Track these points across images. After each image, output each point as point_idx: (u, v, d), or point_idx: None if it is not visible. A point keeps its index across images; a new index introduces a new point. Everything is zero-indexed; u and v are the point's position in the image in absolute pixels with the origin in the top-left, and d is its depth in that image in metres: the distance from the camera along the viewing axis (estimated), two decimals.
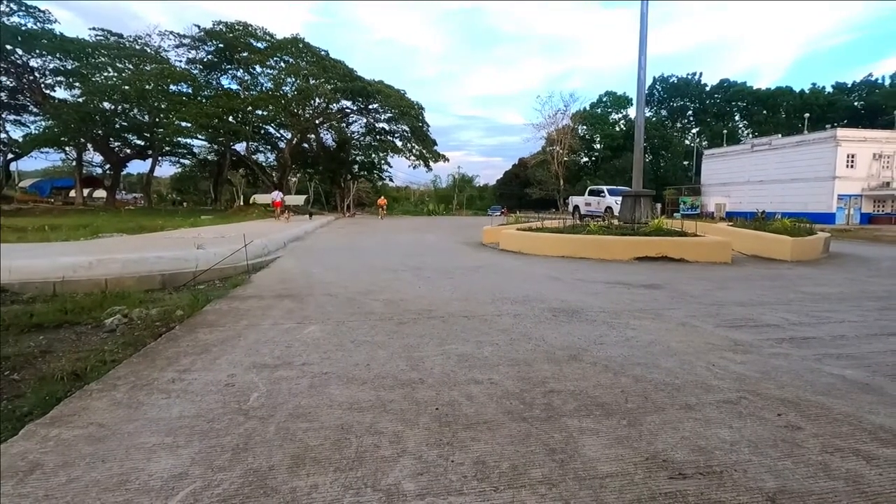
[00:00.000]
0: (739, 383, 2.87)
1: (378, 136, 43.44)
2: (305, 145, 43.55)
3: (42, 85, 33.38)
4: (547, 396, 2.65)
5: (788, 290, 6.37)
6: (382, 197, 43.36)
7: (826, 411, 2.49)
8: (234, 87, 40.29)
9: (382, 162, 46.18)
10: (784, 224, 11.69)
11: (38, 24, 30.87)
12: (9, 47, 29.37)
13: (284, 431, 2.21)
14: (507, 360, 3.26)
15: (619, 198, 16.79)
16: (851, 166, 33.46)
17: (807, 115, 47.92)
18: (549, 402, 2.57)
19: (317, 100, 37.68)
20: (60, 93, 34.11)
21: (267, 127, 41.01)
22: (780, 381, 2.92)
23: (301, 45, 37.33)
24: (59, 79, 33.14)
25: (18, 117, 35.32)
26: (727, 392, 2.73)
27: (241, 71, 39.06)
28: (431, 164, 43.26)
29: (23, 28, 29.77)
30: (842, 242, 15.47)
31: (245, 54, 36.94)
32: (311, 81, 35.57)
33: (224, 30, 36.75)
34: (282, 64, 37.29)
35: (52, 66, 32.41)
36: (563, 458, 1.99)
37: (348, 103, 40.59)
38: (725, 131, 55.47)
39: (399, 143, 42.83)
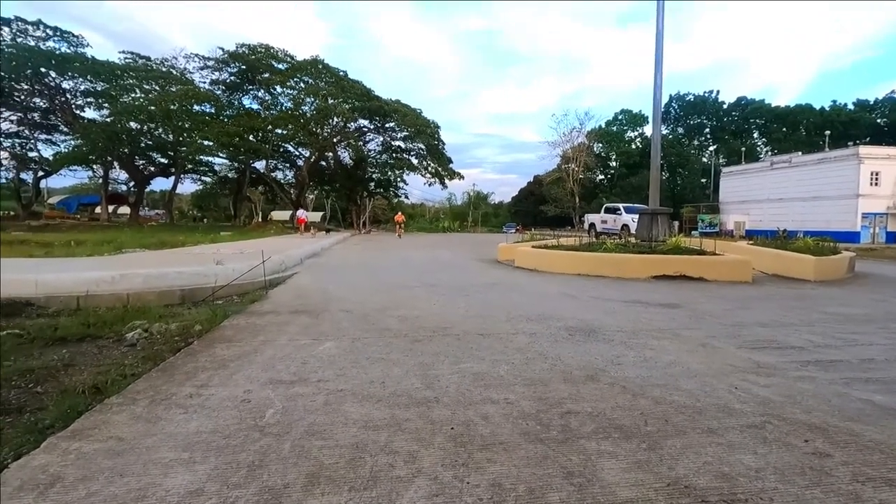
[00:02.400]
0: (763, 407, 2.78)
1: (394, 154, 44.14)
2: (323, 163, 44.39)
3: (73, 106, 34.78)
4: (564, 417, 2.60)
5: (812, 310, 6.20)
6: (400, 213, 38.76)
7: (855, 438, 2.39)
8: (256, 106, 41.47)
9: (398, 179, 46.77)
10: (807, 243, 11.43)
11: (71, 48, 32.35)
12: (43, 70, 30.73)
13: (300, 449, 2.21)
14: (522, 380, 3.22)
15: (636, 215, 16.67)
16: (876, 184, 32.66)
17: (827, 132, 47.22)
18: (567, 424, 2.52)
19: (335, 119, 38.49)
20: (90, 113, 35.67)
21: (286, 145, 42.03)
22: (807, 405, 2.83)
23: (320, 66, 38.36)
24: (89, 100, 34.55)
25: (49, 136, 36.88)
26: (751, 416, 2.65)
27: (262, 91, 40.23)
28: (447, 181, 43.71)
29: (57, 52, 31.16)
30: (867, 262, 15.05)
31: (266, 75, 38.04)
32: (330, 101, 36.44)
33: (247, 52, 38.03)
34: (301, 84, 38.34)
35: (83, 87, 33.83)
36: (581, 482, 1.95)
37: (365, 122, 41.46)
38: (744, 149, 54.84)
39: (415, 161, 43.39)
